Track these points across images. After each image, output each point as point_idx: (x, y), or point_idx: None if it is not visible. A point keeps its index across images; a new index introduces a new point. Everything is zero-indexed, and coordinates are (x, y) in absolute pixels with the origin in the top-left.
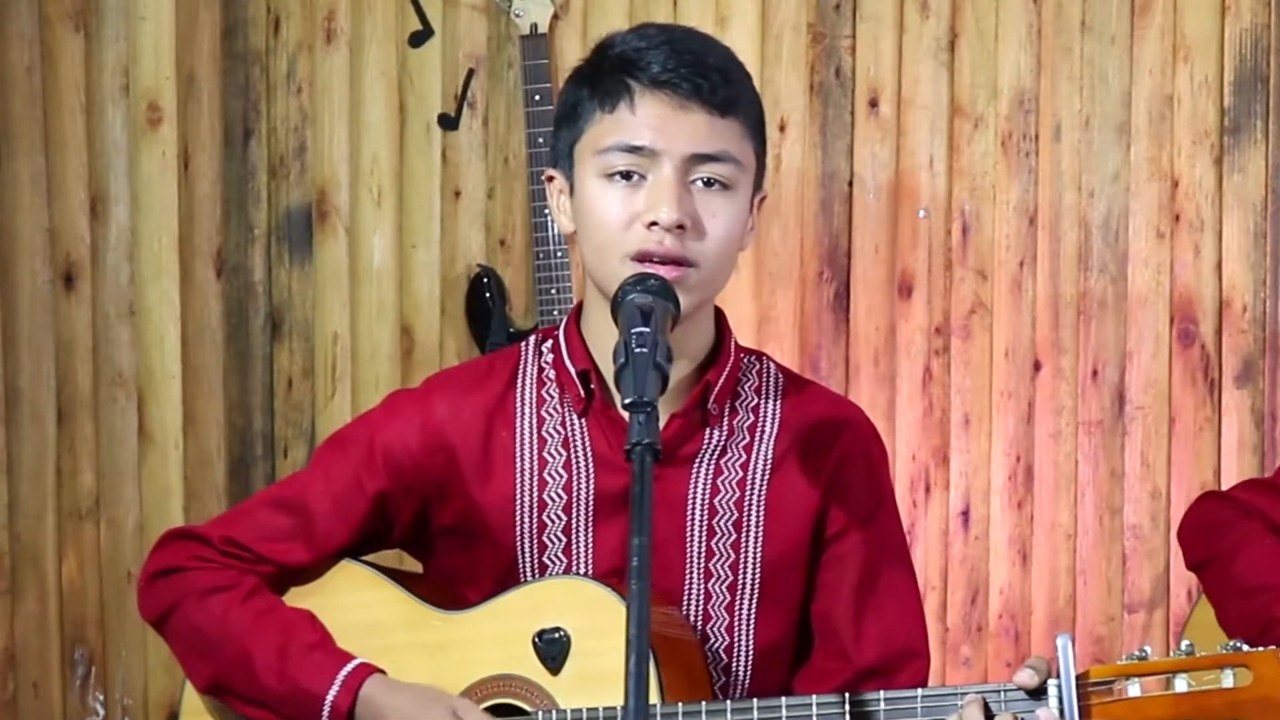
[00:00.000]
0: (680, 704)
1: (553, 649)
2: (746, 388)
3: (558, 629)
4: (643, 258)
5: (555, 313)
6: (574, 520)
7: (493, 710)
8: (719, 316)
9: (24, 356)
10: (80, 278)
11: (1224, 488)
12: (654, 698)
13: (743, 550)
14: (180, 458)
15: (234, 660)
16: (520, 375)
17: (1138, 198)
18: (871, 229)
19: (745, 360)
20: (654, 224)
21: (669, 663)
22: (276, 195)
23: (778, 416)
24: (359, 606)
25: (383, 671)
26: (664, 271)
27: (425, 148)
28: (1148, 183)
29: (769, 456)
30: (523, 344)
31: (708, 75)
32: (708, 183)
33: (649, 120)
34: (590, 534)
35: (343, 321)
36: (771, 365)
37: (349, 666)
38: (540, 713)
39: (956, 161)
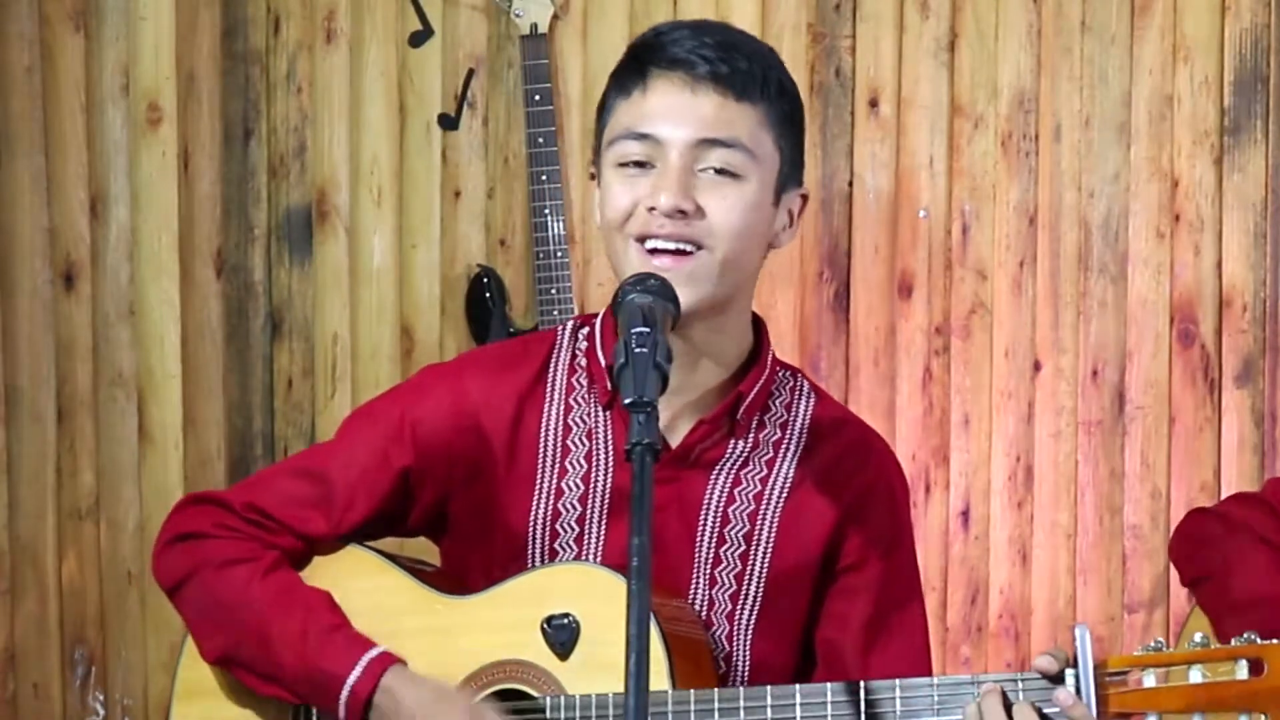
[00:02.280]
0: (693, 690)
1: (561, 635)
2: (777, 403)
3: (567, 615)
4: (645, 238)
5: (555, 313)
6: (588, 512)
7: (499, 695)
8: (760, 326)
9: (24, 356)
10: (80, 278)
11: (1224, 488)
12: (665, 684)
13: (749, 563)
14: (180, 458)
15: (251, 634)
16: (553, 361)
17: (1137, 198)
18: (871, 229)
19: (780, 374)
20: (654, 209)
21: (680, 653)
22: (276, 195)
23: (804, 437)
24: (365, 591)
25: (404, 662)
26: (669, 261)
27: (425, 148)
28: (1148, 183)
29: (789, 475)
30: (559, 328)
31: (728, 59)
32: (718, 171)
33: (658, 105)
34: (603, 528)
35: (343, 321)
36: (805, 384)
37: (372, 653)
38: (548, 698)
39: (956, 161)
